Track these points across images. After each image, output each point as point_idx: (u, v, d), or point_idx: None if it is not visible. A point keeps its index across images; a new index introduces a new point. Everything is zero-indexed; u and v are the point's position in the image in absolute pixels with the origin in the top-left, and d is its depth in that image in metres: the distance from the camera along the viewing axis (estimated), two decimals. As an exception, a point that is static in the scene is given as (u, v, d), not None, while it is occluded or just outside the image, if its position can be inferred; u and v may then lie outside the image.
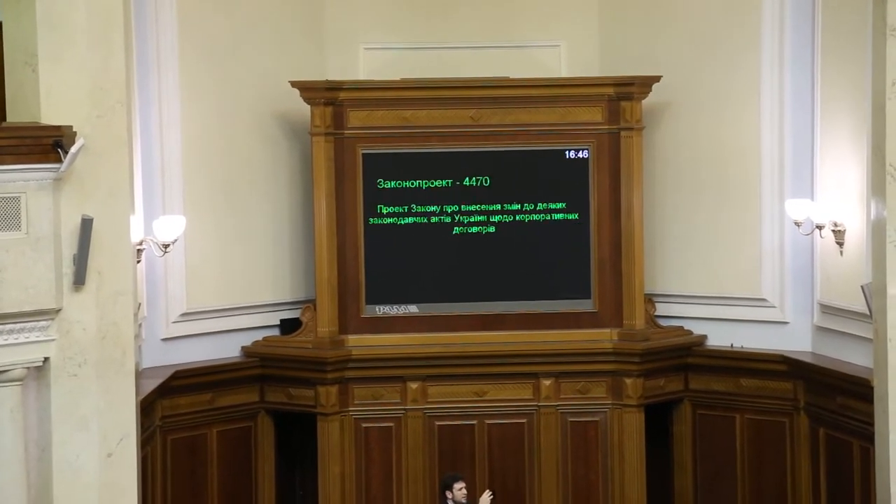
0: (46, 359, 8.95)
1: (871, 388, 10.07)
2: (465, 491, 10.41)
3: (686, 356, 12.48)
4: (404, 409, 12.11)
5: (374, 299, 12.10)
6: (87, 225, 8.62)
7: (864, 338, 10.66)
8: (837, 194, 11.50)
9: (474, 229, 12.19)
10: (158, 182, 11.43)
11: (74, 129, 8.51)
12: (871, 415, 10.11)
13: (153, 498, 11.03)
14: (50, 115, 8.49)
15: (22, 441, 8.95)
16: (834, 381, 11.37)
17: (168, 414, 11.45)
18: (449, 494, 10.43)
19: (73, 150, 8.41)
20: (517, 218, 12.18)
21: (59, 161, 8.51)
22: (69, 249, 8.83)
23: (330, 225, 11.91)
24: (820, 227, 11.56)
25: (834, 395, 11.42)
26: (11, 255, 8.62)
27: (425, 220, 12.16)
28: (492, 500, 10.28)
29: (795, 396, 12.03)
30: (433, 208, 12.13)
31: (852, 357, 11.23)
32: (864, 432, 10.51)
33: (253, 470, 12.27)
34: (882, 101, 9.65)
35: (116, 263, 9.20)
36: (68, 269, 8.92)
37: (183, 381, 11.54)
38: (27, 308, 8.82)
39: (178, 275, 11.75)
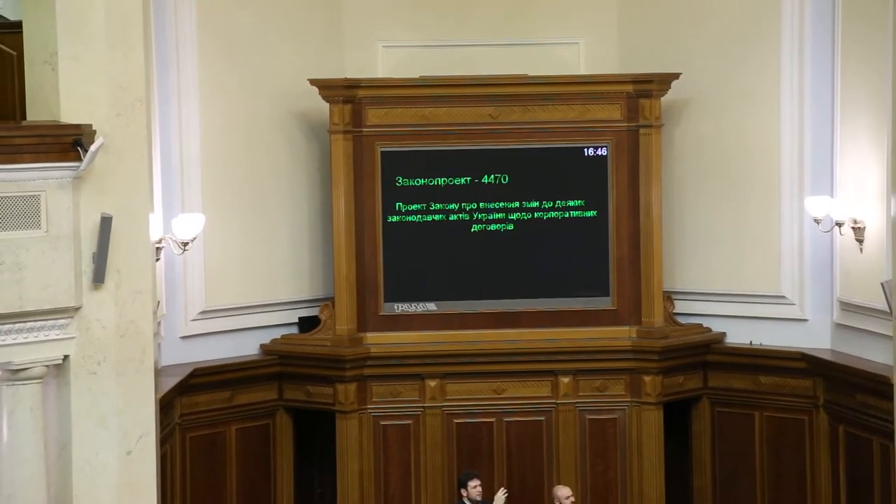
0: (66, 357, 8.96)
1: (891, 386, 10.07)
2: (479, 489, 10.44)
3: (705, 354, 12.48)
4: (422, 407, 12.14)
5: (392, 297, 12.12)
6: (106, 223, 8.67)
7: (883, 335, 10.65)
8: (857, 191, 11.50)
9: (493, 227, 12.21)
10: (177, 180, 11.49)
11: (94, 128, 8.57)
12: (890, 412, 10.12)
13: (172, 495, 11.07)
14: (69, 114, 8.53)
15: (42, 439, 8.96)
16: (853, 379, 11.35)
17: (187, 412, 11.51)
18: (464, 492, 10.46)
19: (92, 148, 8.42)
20: (536, 215, 12.20)
21: (79, 160, 8.54)
22: (89, 248, 8.86)
23: (349, 223, 11.94)
24: (839, 225, 11.56)
25: (853, 393, 11.41)
26: (31, 253, 8.65)
27: (444, 218, 12.18)
28: (506, 497, 10.31)
29: (815, 394, 12.03)
30: (452, 206, 12.17)
31: (872, 354, 11.20)
32: (884, 430, 10.52)
33: (272, 467, 12.31)
34: (902, 98, 9.62)
35: (136, 261, 9.20)
36: (88, 268, 8.93)
37: (202, 379, 11.59)
38: (47, 306, 8.81)
39: (197, 273, 11.80)
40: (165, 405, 10.41)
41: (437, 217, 12.16)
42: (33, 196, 8.59)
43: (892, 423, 10.10)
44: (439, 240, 12.15)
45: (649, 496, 12.07)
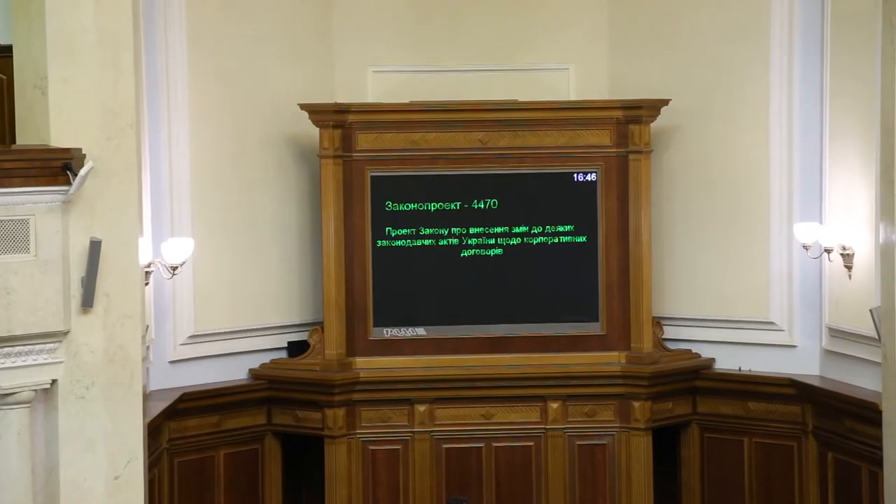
0: (54, 381, 8.92)
1: (880, 412, 10.07)
2: None
3: (694, 379, 12.52)
4: (412, 432, 12.13)
5: (381, 322, 12.15)
6: (95, 247, 8.66)
7: (872, 361, 10.68)
8: (846, 217, 11.54)
9: (483, 252, 12.24)
10: (167, 204, 11.51)
11: (84, 152, 8.58)
12: (879, 439, 10.11)
13: None
14: (59, 138, 8.56)
15: (29, 463, 8.89)
16: (842, 405, 11.38)
17: (175, 436, 11.48)
18: None
19: (82, 172, 8.44)
20: (525, 240, 12.23)
21: (69, 183, 8.56)
22: (77, 272, 8.85)
23: (338, 247, 11.96)
24: (828, 251, 11.57)
25: (842, 419, 11.42)
26: (20, 277, 8.65)
27: (433, 243, 12.20)
28: None
29: (804, 420, 12.05)
30: (442, 231, 12.19)
31: (861, 381, 11.25)
32: (873, 456, 10.53)
33: (260, 492, 12.30)
34: (891, 124, 9.72)
35: (125, 286, 9.18)
36: (76, 292, 8.92)
37: (190, 404, 11.58)
38: (35, 330, 8.79)
39: (187, 297, 11.80)
40: (154, 430, 10.37)
41: (426, 242, 12.18)
42: (22, 220, 8.60)
43: (880, 449, 10.11)
44: (429, 264, 12.18)
45: None
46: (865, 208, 11.14)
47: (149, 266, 10.84)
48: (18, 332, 8.68)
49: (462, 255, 12.18)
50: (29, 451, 8.95)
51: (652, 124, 12.03)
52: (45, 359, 8.91)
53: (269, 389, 12.16)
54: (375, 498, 12.07)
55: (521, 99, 12.18)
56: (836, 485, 11.72)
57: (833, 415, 11.57)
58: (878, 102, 10.35)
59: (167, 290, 11.58)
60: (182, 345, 11.85)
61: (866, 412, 10.66)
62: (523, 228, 12.18)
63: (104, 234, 8.94)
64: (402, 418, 12.10)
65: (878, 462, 10.23)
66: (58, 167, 8.45)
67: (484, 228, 12.16)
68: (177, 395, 11.50)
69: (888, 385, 9.88)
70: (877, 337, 10.28)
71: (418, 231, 12.14)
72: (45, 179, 8.61)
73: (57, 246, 8.75)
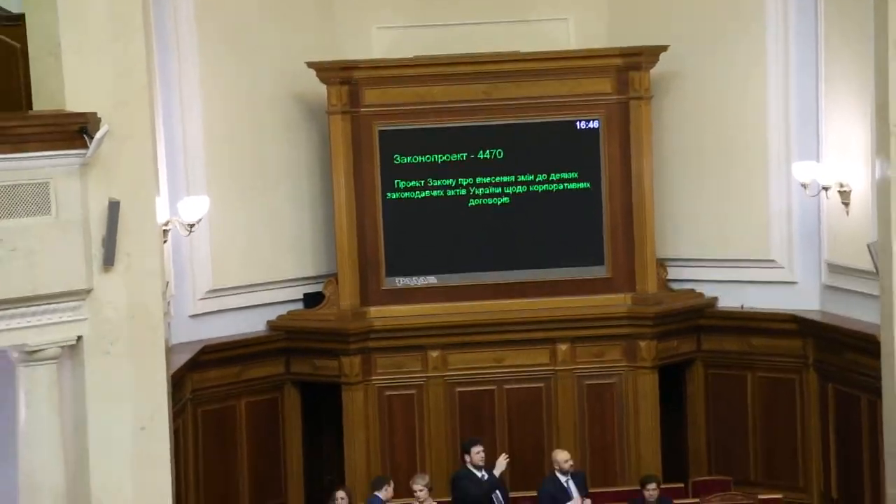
0: (80, 338, 9.06)
1: (879, 344, 10.16)
2: (482, 454, 10.50)
3: (698, 318, 12.55)
4: (426, 377, 12.20)
5: (393, 272, 12.17)
6: (114, 208, 8.69)
7: (870, 295, 10.74)
8: (842, 156, 11.55)
9: (490, 201, 12.27)
10: (181, 164, 11.52)
11: (99, 116, 8.64)
12: (878, 369, 10.23)
13: (186, 468, 11.19)
14: (74, 103, 8.62)
15: (58, 417, 9.09)
16: (842, 338, 11.45)
17: (198, 387, 11.59)
18: (467, 458, 10.52)
19: (98, 135, 8.46)
20: (531, 189, 12.24)
21: (86, 147, 8.59)
22: (98, 232, 8.93)
23: (349, 201, 11.97)
24: (826, 189, 11.59)
25: (842, 352, 11.51)
26: (43, 238, 8.73)
27: (441, 194, 12.21)
28: (507, 462, 10.45)
29: (805, 354, 12.11)
30: (449, 182, 12.20)
31: (860, 314, 11.31)
32: (872, 386, 10.65)
33: (281, 438, 12.42)
34: (885, 62, 9.74)
35: (144, 244, 9.30)
36: (98, 252, 9.02)
37: (211, 356, 11.66)
38: (59, 289, 8.91)
39: (204, 253, 11.85)
40: (177, 382, 10.48)
41: (435, 193, 12.20)
42: (43, 183, 8.64)
43: (879, 379, 10.23)
44: (438, 215, 12.21)
45: (646, 457, 12.18)
46: (861, 146, 11.15)
47: (166, 225, 10.91)
48: (43, 291, 8.79)
49: (469, 204, 12.18)
50: (58, 406, 9.12)
51: (651, 71, 12.03)
52: (70, 316, 9.03)
53: (286, 340, 12.22)
54: (392, 441, 12.15)
55: (522, 50, 12.23)
56: (836, 415, 11.81)
57: (833, 348, 11.64)
58: (873, 42, 10.35)
59: (185, 247, 11.63)
60: (201, 299, 11.91)
61: (865, 344, 10.74)
62: (528, 177, 12.19)
63: (122, 195, 8.99)
64: (416, 364, 12.15)
65: (877, 392, 10.37)
66: (74, 131, 8.55)
67: (490, 178, 12.17)
68: (198, 347, 11.59)
69: (886, 317, 9.98)
70: (874, 271, 10.34)
71: (426, 183, 12.14)
72: (62, 143, 8.63)
73: (77, 207, 8.80)
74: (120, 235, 8.92)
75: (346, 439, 12.04)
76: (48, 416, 8.99)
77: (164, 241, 10.60)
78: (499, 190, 12.23)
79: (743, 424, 12.49)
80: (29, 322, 8.71)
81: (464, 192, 12.21)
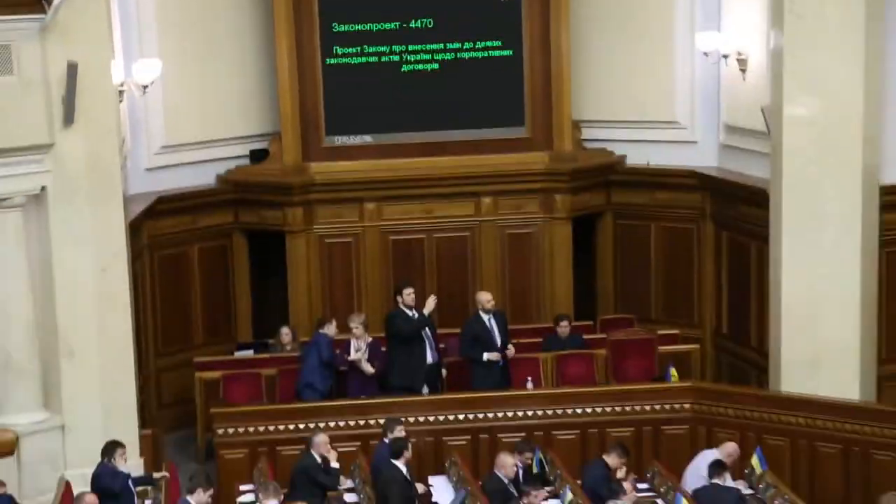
0: (44, 188, 9.34)
1: (768, 197, 10.60)
2: (413, 296, 10.64)
3: (608, 174, 12.72)
4: (362, 227, 12.33)
5: (333, 131, 12.25)
6: (72, 69, 8.78)
7: (763, 153, 11.03)
8: (741, 27, 11.70)
9: (420, 66, 12.26)
10: (135, 28, 11.47)
11: (57, -19, 8.35)
12: (767, 219, 10.65)
13: (145, 308, 11.45)
14: (33, -30, 8.33)
15: (25, 258, 9.48)
16: (736, 192, 11.74)
17: (154, 234, 11.72)
18: (399, 299, 10.64)
19: (56, 1, 8.61)
20: (458, 56, 12.28)
21: (45, 11, 8.72)
22: (58, 92, 9.07)
23: (291, 65, 11.95)
24: (726, 57, 11.77)
25: (736, 204, 11.81)
26: (6, 97, 8.92)
27: (377, 60, 12.23)
28: (436, 303, 10.66)
29: (703, 206, 12.37)
30: (383, 48, 12.22)
31: (753, 171, 11.55)
32: (761, 235, 11.01)
33: (231, 281, 12.60)
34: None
35: (101, 103, 9.51)
36: (58, 110, 9.21)
37: (166, 206, 11.78)
38: (22, 143, 9.15)
39: (157, 112, 11.84)
40: (135, 229, 10.66)
41: (370, 59, 12.21)
42: (4, 45, 8.78)
43: (767, 228, 10.62)
44: (373, 79, 12.23)
45: (559, 298, 12.42)
46: (758, 18, 11.34)
47: (122, 85, 10.89)
48: (8, 145, 9.11)
49: (402, 70, 12.23)
50: (24, 248, 9.52)
51: (568, -57, 11.71)
52: (35, 168, 9.38)
53: (235, 192, 12.33)
54: (332, 284, 12.30)
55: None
56: (728, 259, 12.19)
57: (728, 201, 11.95)
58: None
59: (139, 106, 11.64)
60: (156, 154, 11.96)
61: (756, 197, 11.08)
62: (456, 45, 12.21)
63: (80, 57, 9.17)
64: (354, 215, 12.26)
65: (765, 239, 10.82)
66: (34, -4, 8.21)
67: (421, 46, 12.17)
68: (154, 198, 11.73)
69: (776, 173, 10.42)
70: (766, 131, 10.69)
71: (363, 49, 12.15)
72: (23, 8, 8.74)
73: (37, 68, 8.96)
74: (78, 95, 9.14)
75: (291, 283, 12.16)
76: (16, 255, 9.34)
77: (120, 101, 10.62)
78: (429, 56, 12.20)
79: (646, 269, 12.74)
80: (-8, 171, 8.47)
81: (397, 58, 12.21)
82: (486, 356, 10.60)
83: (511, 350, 10.59)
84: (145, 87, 11.21)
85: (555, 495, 9.00)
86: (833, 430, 9.82)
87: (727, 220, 11.98)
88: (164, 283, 12.00)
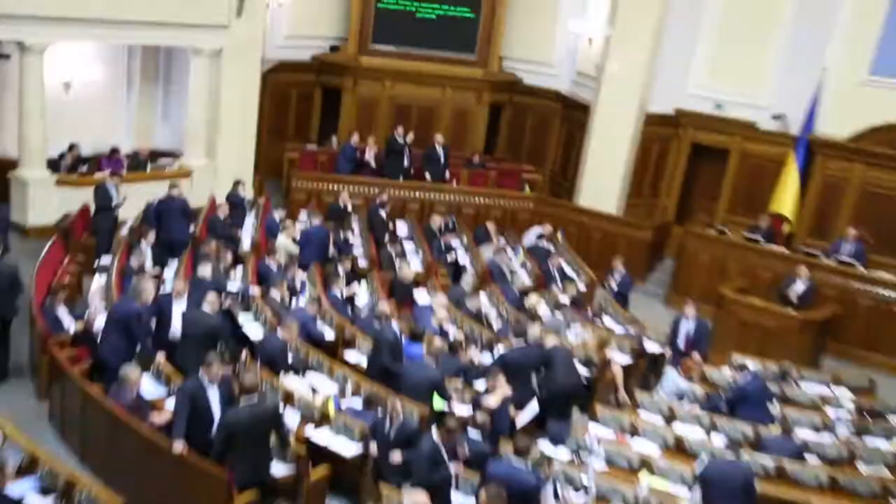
0: (221, 49, 9.34)
1: (590, 110, 10.93)
2: (401, 130, 10.75)
3: (512, 86, 12.48)
4: (381, 95, 12.16)
5: (375, 41, 12.13)
6: None
7: (591, 87, 11.28)
8: (596, 15, 11.83)
9: (426, 15, 12.05)
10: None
11: None
12: (588, 120, 10.86)
13: (263, 117, 10.91)
14: None
15: (206, 89, 9.34)
16: (575, 105, 11.79)
17: (274, 82, 11.70)
18: (395, 134, 10.92)
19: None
20: (446, 12, 12.06)
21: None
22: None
23: (357, 5, 11.90)
24: (583, 34, 12.42)
25: (575, 111, 11.76)
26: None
27: (403, 8, 12.02)
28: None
29: (557, 109, 12.41)
30: (408, 3, 11.99)
31: (585, 95, 11.47)
32: (585, 126, 11.25)
33: (310, 111, 12.26)
34: None
35: (257, 6, 9.43)
36: (234, 5, 9.09)
37: (283, 68, 11.80)
38: (211, 22, 8.99)
39: (284, 16, 11.63)
40: (264, 78, 10.50)
41: (400, 7, 12.01)
42: None
43: (587, 124, 10.84)
44: (400, 17, 12.03)
45: (477, 143, 12.27)
46: (604, 12, 11.69)
47: None
48: (204, 22, 8.95)
49: (416, 16, 11.94)
50: (207, 81, 9.26)
51: None
52: (217, 36, 9.15)
53: (319, 66, 12.25)
54: (360, 122, 12.12)
55: None
56: (566, 138, 12.04)
57: (571, 109, 11.93)
58: None
59: (276, 12, 11.39)
60: (282, 39, 11.81)
61: (585, 109, 11.27)
62: (446, 6, 11.97)
63: None
64: (378, 87, 12.15)
65: (585, 129, 10.99)
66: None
67: (427, 5, 11.94)
68: (277, 63, 11.63)
69: (596, 98, 10.64)
70: (596, 77, 11.04)
71: (397, 2, 12.00)
72: None
73: None
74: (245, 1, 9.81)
75: (341, 117, 11.95)
76: (202, 85, 9.97)
77: (267, 7, 10.28)
78: (430, 10, 12.08)
79: (524, 135, 12.37)
80: (194, 35, 9.43)
81: (413, 9, 12.13)
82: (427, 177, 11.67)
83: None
84: (280, 3, 12.48)
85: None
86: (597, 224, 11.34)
87: (570, 118, 13.04)
88: (275, 108, 12.55)
